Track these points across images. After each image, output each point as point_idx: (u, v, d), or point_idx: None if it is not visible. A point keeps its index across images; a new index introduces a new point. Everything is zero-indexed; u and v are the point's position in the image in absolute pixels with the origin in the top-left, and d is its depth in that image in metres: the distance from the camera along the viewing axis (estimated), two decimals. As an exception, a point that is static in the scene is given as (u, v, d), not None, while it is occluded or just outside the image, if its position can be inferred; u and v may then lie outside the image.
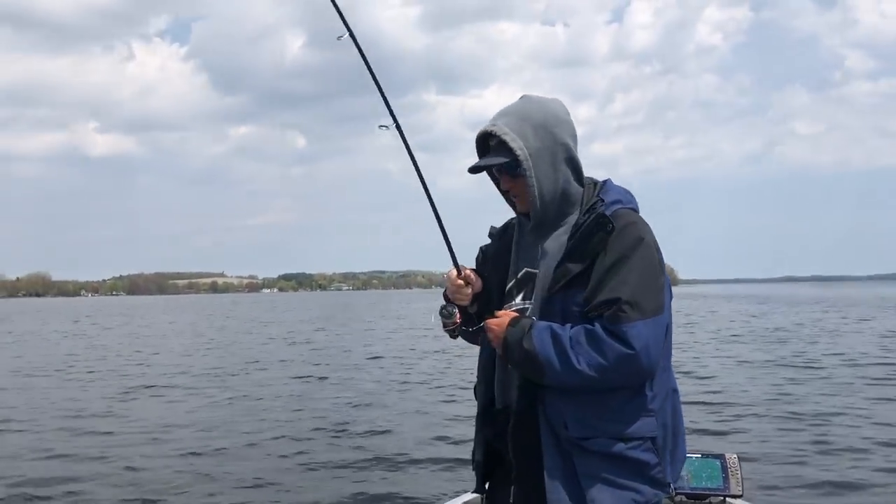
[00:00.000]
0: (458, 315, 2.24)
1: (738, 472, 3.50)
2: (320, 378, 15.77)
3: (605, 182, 2.17)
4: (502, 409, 2.16)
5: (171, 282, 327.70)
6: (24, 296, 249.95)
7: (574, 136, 2.16)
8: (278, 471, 7.80)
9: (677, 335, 25.25)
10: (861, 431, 9.18)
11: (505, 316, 2.10)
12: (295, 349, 23.83)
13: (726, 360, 17.71)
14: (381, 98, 2.33)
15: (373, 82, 2.34)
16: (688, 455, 3.47)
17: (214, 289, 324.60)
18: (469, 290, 2.22)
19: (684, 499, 3.49)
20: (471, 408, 2.36)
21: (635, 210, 2.13)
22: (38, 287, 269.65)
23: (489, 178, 2.25)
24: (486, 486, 2.30)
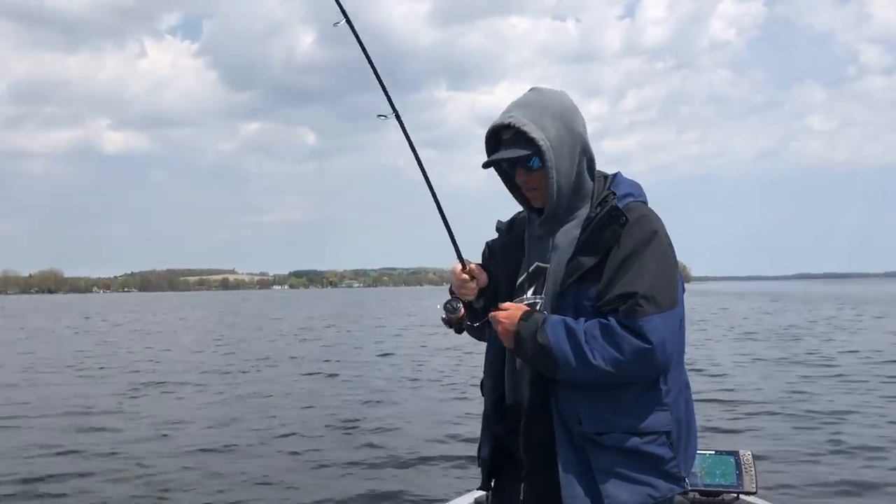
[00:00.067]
0: (462, 310, 2.21)
1: (752, 469, 3.46)
2: (330, 375, 15.76)
3: (615, 175, 2.15)
4: (513, 406, 2.13)
5: (182, 278, 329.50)
6: (37, 292, 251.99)
7: (586, 128, 2.14)
8: (287, 468, 7.77)
9: (690, 332, 25.18)
10: (876, 430, 9.08)
11: (514, 309, 2.06)
12: (305, 346, 23.86)
13: (740, 357, 17.60)
14: (380, 86, 2.29)
15: (372, 71, 2.30)
16: (701, 452, 3.46)
17: (225, 285, 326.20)
18: (474, 285, 2.18)
19: (698, 496, 3.45)
20: (482, 405, 2.31)
21: (646, 203, 2.11)
22: (51, 284, 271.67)
23: (497, 173, 2.22)
24: (492, 483, 2.27)
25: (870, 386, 12.69)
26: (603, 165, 2.19)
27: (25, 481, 7.34)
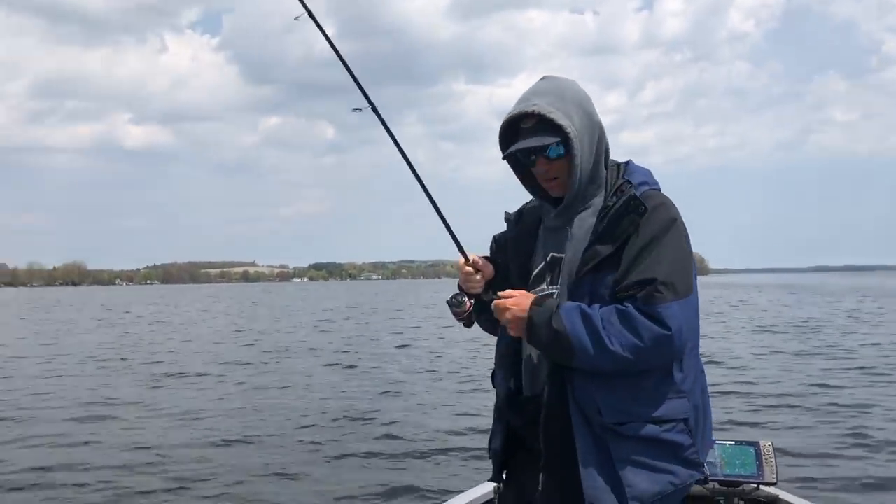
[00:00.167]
0: (467, 304, 2.19)
1: (773, 459, 3.41)
2: (349, 366, 15.82)
3: (627, 163, 2.13)
4: (532, 398, 2.11)
5: (203, 271, 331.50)
6: (61, 284, 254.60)
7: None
8: (305, 460, 7.81)
9: (709, 325, 25.15)
10: (899, 424, 8.98)
11: (521, 296, 2.04)
12: (324, 337, 23.95)
13: (759, 349, 17.48)
14: (351, 78, 2.28)
15: (342, 64, 2.28)
16: (721, 442, 3.43)
17: (246, 278, 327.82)
18: (479, 277, 2.18)
19: (717, 485, 3.42)
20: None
21: (660, 190, 2.10)
22: (75, 276, 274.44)
23: (509, 164, 2.18)
24: (503, 474, 2.26)
25: (892, 379, 12.55)
26: (621, 158, 2.17)
27: (46, 471, 7.43)
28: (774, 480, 3.39)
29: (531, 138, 2.04)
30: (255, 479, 7.08)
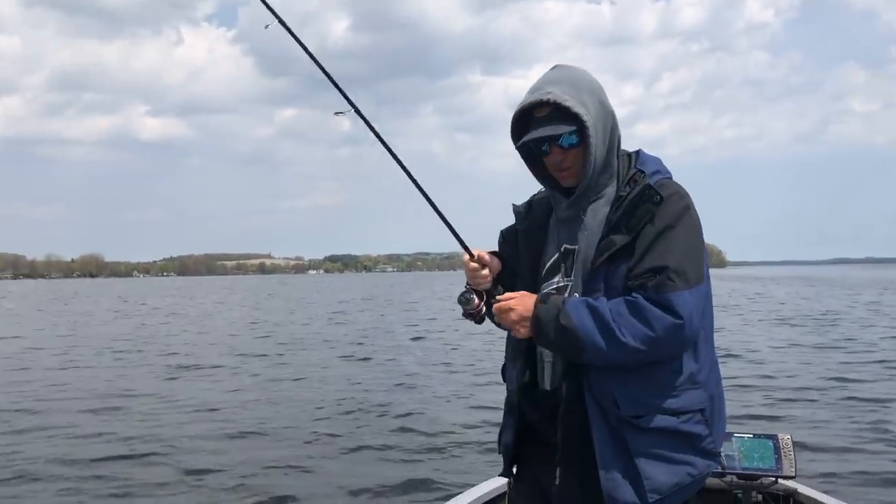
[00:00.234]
0: (476, 301, 2.15)
1: (791, 453, 3.39)
2: (363, 358, 15.83)
3: (637, 153, 2.11)
4: (550, 392, 2.08)
5: (219, 263, 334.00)
6: (79, 276, 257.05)
7: None
8: (318, 452, 7.80)
9: (728, 317, 25.00)
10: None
11: (523, 295, 2.02)
12: (339, 329, 24.00)
13: (778, 342, 17.35)
14: (331, 82, 2.25)
15: (320, 69, 2.26)
16: (739, 435, 3.42)
17: (262, 270, 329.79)
18: (486, 272, 2.14)
19: (735, 479, 3.39)
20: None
21: (672, 178, 2.08)
22: (92, 268, 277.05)
23: (519, 154, 2.15)
24: (513, 469, 2.24)
25: (913, 372, 12.40)
26: (637, 149, 2.15)
27: (63, 462, 7.47)
28: (793, 474, 3.36)
29: (546, 127, 2.00)
30: (269, 472, 7.08)
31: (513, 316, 2.00)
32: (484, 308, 2.18)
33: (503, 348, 2.29)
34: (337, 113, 2.25)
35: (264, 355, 16.80)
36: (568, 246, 2.08)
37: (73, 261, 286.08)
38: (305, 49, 2.27)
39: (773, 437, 3.44)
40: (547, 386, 2.10)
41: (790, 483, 3.46)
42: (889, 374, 12.25)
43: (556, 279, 2.09)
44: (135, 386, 12.43)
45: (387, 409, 10.02)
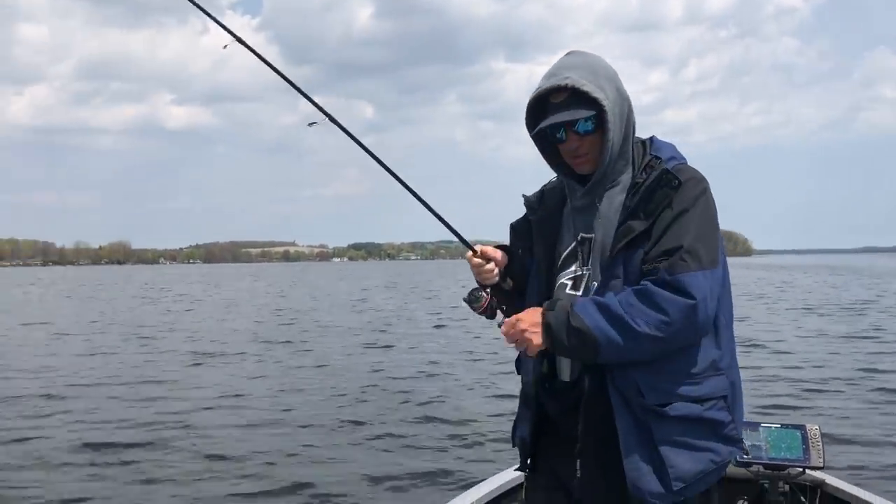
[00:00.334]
0: (484, 298, 2.13)
1: (820, 443, 3.34)
2: (385, 346, 15.86)
3: (651, 139, 2.10)
4: (571, 383, 2.05)
5: (244, 250, 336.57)
6: (107, 263, 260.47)
7: None
8: (339, 441, 7.81)
9: (753, 307, 24.69)
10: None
11: (529, 312, 1.97)
12: (363, 317, 24.08)
13: (805, 332, 17.15)
14: (301, 95, 2.28)
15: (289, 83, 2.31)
16: (766, 425, 3.39)
17: (286, 257, 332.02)
18: (492, 266, 2.14)
19: (762, 469, 3.35)
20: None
21: (687, 164, 2.07)
22: (120, 255, 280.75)
23: (533, 141, 2.11)
24: (528, 462, 2.22)
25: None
26: (664, 137, 2.13)
27: (88, 448, 7.55)
28: (821, 465, 3.32)
29: (564, 112, 1.98)
30: (291, 459, 7.10)
31: (522, 326, 1.95)
32: (493, 303, 2.16)
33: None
34: (310, 124, 2.25)
35: (288, 342, 16.89)
36: (584, 235, 2.06)
37: (101, 248, 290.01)
38: (269, 65, 2.30)
39: (801, 428, 3.39)
40: (567, 377, 2.07)
41: (818, 474, 3.41)
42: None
43: (572, 268, 2.07)
44: (160, 372, 12.55)
45: (409, 396, 10.01)
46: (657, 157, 2.00)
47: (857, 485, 3.53)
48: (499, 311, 2.14)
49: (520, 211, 2.27)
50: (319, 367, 13.02)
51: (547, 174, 2.21)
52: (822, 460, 3.29)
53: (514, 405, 2.28)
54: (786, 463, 3.31)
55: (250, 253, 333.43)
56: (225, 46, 2.26)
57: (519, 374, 2.24)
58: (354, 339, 17.49)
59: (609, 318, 1.85)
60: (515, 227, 2.29)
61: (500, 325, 2.03)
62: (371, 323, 21.60)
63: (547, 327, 1.91)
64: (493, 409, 9.01)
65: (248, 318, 24.20)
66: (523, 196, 2.27)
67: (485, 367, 12.58)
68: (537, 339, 1.94)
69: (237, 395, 10.31)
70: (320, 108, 2.24)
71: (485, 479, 3.66)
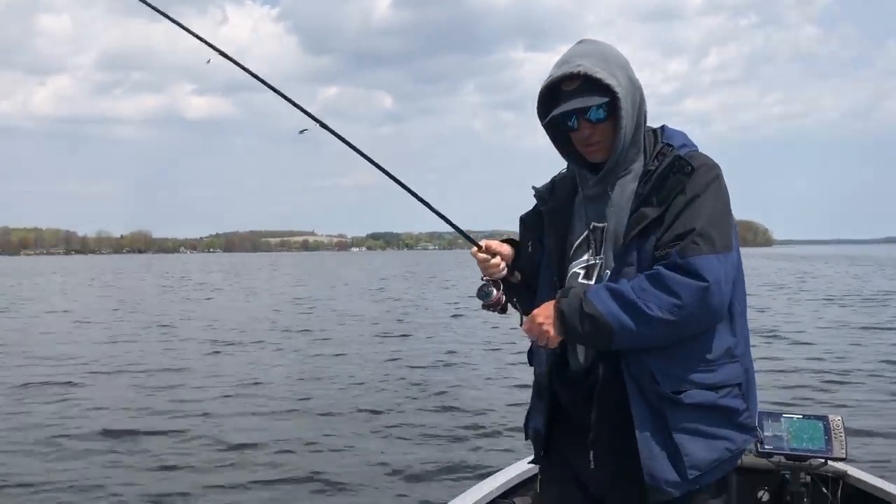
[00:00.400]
0: (495, 293, 2.16)
1: (842, 434, 3.29)
2: (403, 335, 15.88)
3: (663, 128, 2.10)
4: (584, 372, 2.03)
5: (264, 240, 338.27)
6: (128, 252, 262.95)
7: None
8: (355, 431, 7.82)
9: (774, 298, 24.46)
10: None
11: (543, 306, 1.98)
12: (380, 306, 24.14)
13: (826, 323, 16.98)
14: (290, 104, 2.31)
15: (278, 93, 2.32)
16: (788, 416, 3.36)
17: (305, 247, 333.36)
18: (498, 260, 2.17)
19: (783, 459, 3.30)
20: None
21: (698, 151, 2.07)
22: (141, 244, 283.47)
23: (545, 130, 2.10)
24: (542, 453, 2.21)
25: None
26: (683, 126, 2.19)
27: (109, 435, 7.61)
28: (844, 456, 3.27)
29: (576, 99, 1.97)
30: (308, 448, 7.12)
31: (538, 320, 1.97)
32: (504, 298, 2.18)
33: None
34: (301, 131, 2.27)
35: (307, 331, 16.95)
36: (596, 224, 2.05)
37: (122, 237, 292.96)
38: (255, 76, 2.31)
39: (824, 419, 3.35)
40: (580, 364, 2.05)
41: (840, 465, 3.36)
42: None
43: (584, 258, 2.06)
44: (179, 360, 12.64)
45: (426, 386, 10.01)
46: (669, 145, 2.00)
47: (880, 477, 3.48)
48: (513, 310, 2.16)
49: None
50: (337, 355, 13.06)
51: (563, 164, 2.20)
52: (844, 452, 3.25)
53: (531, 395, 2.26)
54: (808, 454, 3.27)
55: (269, 242, 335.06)
56: (208, 61, 2.26)
57: (531, 365, 2.24)
58: (372, 328, 17.53)
59: (622, 303, 1.85)
60: (525, 220, 2.29)
61: (521, 325, 2.04)
62: (389, 312, 21.64)
63: (560, 314, 1.91)
64: (511, 399, 8.99)
65: (267, 307, 24.33)
66: (533, 188, 2.27)
67: (502, 356, 12.56)
68: (552, 331, 1.94)
69: (256, 384, 10.37)
70: (310, 115, 2.28)
71: (500, 470, 3.65)
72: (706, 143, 2.02)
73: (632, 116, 1.98)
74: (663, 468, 1.87)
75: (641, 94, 2.03)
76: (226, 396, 9.52)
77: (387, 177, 2.26)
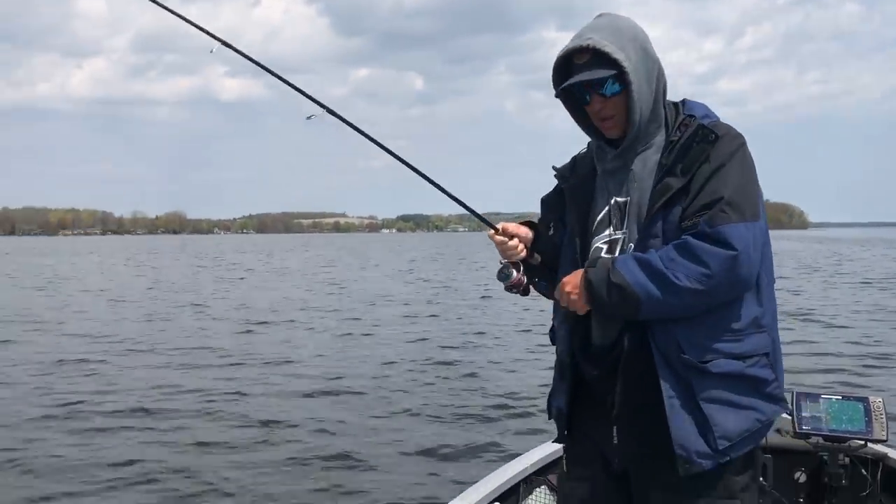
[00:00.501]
0: (515, 274, 2.15)
1: (883, 416, 3.20)
2: (432, 316, 15.90)
3: (684, 101, 2.07)
4: (609, 346, 2.00)
5: (296, 221, 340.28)
6: (163, 232, 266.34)
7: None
8: (383, 410, 7.85)
9: (810, 281, 24.07)
10: None
11: (571, 275, 1.99)
12: (410, 287, 24.20)
13: (864, 307, 16.70)
14: (295, 90, 2.34)
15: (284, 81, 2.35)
16: (827, 397, 3.29)
17: (337, 228, 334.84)
18: (516, 242, 2.14)
19: (821, 440, 3.23)
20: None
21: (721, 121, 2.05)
22: (175, 225, 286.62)
23: (563, 105, 2.09)
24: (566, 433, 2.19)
25: None
26: (718, 107, 2.09)
27: (143, 413, 7.74)
28: (885, 438, 3.18)
29: (585, 72, 1.96)
30: (338, 427, 7.16)
31: (567, 288, 1.97)
32: (525, 279, 2.17)
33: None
34: (309, 117, 2.27)
35: (337, 311, 17.06)
36: (618, 198, 2.03)
37: (157, 218, 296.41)
38: (262, 66, 2.34)
39: (864, 400, 3.26)
40: (605, 338, 2.02)
41: (880, 447, 3.29)
42: None
43: (606, 233, 2.04)
44: (212, 339, 12.79)
45: (455, 368, 10.02)
46: (691, 116, 1.98)
47: None
48: (535, 292, 2.14)
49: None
50: (366, 335, 13.13)
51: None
52: (885, 433, 3.17)
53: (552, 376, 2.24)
54: (847, 435, 3.19)
55: (302, 224, 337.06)
56: (212, 51, 2.27)
57: (553, 344, 2.22)
58: (402, 308, 17.58)
59: (649, 273, 1.84)
60: (546, 201, 2.28)
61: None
62: (419, 293, 21.69)
63: (588, 284, 1.91)
64: (541, 381, 8.94)
65: (300, 288, 24.51)
66: (554, 168, 2.25)
67: (532, 338, 12.52)
68: (580, 301, 1.94)
69: (287, 362, 10.46)
70: (317, 102, 2.30)
71: (526, 452, 3.64)
72: (740, 123, 1.97)
73: (647, 90, 1.96)
74: (694, 439, 1.86)
75: (660, 68, 2.01)
76: (258, 375, 9.62)
77: (412, 169, 2.28)
